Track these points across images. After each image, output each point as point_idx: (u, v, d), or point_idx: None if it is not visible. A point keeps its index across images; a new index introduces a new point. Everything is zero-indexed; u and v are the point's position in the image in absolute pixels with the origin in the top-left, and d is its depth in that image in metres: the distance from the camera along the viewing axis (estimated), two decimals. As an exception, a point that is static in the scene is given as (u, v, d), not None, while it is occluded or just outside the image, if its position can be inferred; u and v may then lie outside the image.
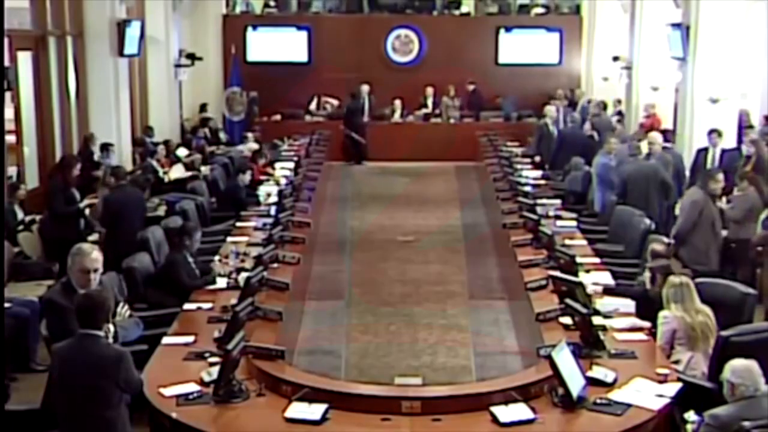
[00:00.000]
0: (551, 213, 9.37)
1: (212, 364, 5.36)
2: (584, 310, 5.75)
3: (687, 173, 11.01)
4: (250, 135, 15.25)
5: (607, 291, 6.78)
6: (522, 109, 17.18)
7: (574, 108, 16.35)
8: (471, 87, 17.41)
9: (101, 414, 4.58)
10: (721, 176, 8.24)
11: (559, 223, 9.05)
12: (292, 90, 17.05)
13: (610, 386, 5.14)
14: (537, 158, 13.32)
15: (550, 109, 14.48)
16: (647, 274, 6.59)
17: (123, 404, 4.71)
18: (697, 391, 5.35)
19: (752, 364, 4.88)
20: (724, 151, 10.91)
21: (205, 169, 12.57)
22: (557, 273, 6.82)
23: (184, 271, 7.10)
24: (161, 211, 10.53)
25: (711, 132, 11.19)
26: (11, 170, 10.20)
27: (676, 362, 5.79)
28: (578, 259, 7.22)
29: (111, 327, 5.13)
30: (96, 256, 5.45)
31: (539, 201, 9.73)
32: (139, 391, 4.87)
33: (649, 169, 9.57)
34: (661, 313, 6.00)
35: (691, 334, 5.84)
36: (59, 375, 4.67)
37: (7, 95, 9.59)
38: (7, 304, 6.83)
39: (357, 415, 4.88)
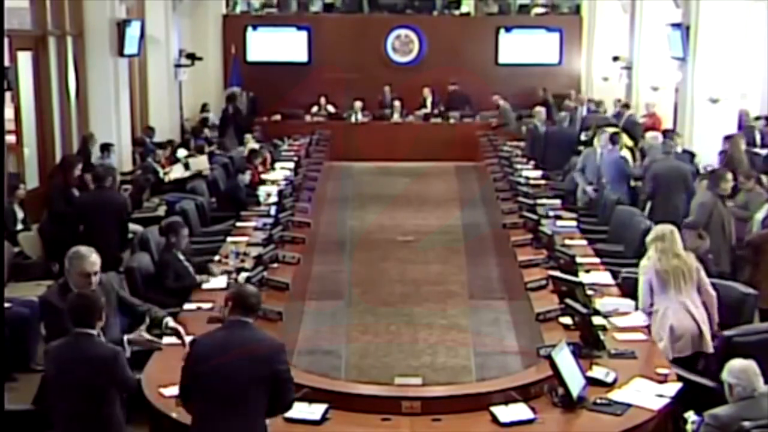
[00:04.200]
0: (551, 213, 9.38)
1: (212, 364, 5.34)
2: (584, 310, 5.75)
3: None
4: (248, 136, 15.24)
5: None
6: (522, 109, 17.16)
7: (549, 109, 16.28)
8: (452, 87, 17.36)
9: (97, 413, 4.56)
10: (730, 176, 8.14)
11: (559, 223, 9.04)
12: (292, 90, 17.05)
13: (610, 386, 5.13)
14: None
15: (539, 111, 14.43)
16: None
17: (118, 403, 4.69)
18: (696, 391, 5.36)
19: (750, 365, 4.87)
20: (684, 152, 10.77)
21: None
22: (557, 273, 6.82)
23: (171, 272, 7.08)
24: (161, 211, 10.52)
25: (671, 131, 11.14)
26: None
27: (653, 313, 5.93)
28: (578, 259, 7.21)
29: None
30: (95, 259, 5.40)
31: (539, 201, 9.73)
32: (136, 390, 4.86)
33: (679, 167, 9.49)
34: (641, 263, 6.11)
35: (664, 277, 5.95)
36: (55, 374, 4.65)
37: (7, 95, 9.59)
38: (7, 304, 6.82)
39: (357, 415, 4.87)
